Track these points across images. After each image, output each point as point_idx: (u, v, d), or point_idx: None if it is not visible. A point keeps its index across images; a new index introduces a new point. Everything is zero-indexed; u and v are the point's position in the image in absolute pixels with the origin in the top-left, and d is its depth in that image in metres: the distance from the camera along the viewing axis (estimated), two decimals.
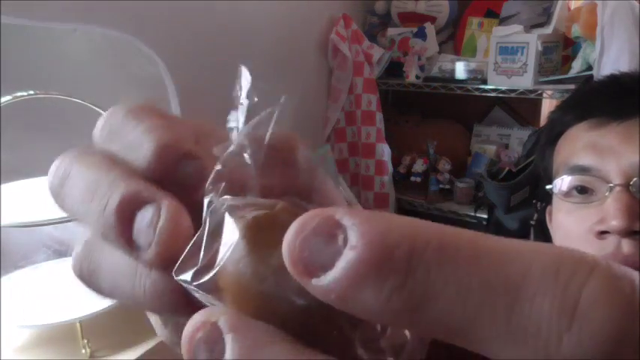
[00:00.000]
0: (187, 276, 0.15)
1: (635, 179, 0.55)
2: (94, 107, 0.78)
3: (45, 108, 0.90)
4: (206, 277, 0.14)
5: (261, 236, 0.14)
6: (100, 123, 0.19)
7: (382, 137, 1.85)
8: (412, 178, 1.84)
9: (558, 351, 0.11)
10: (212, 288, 0.14)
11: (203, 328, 0.13)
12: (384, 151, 1.85)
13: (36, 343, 0.76)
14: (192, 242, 0.15)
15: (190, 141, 0.17)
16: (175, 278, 0.15)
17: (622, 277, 0.11)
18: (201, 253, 0.15)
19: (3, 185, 0.78)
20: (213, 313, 0.14)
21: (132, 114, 0.18)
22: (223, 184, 0.16)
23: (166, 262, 0.15)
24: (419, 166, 1.83)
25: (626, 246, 0.53)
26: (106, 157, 0.17)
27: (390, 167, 1.86)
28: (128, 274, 0.17)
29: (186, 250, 0.15)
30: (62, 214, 0.69)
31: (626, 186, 0.55)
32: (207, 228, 0.15)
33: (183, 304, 0.16)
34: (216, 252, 0.14)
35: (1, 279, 0.81)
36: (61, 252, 0.90)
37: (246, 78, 0.17)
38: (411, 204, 1.88)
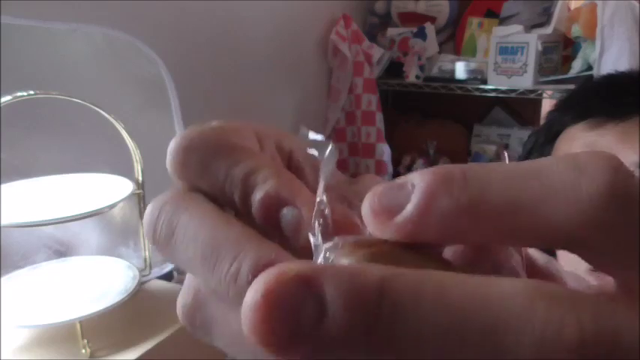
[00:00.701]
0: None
1: None
2: (94, 107, 0.78)
3: (45, 108, 0.90)
4: None
5: None
6: (179, 152, 0.18)
7: (382, 137, 1.85)
8: None
9: None
10: None
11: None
12: (384, 151, 1.85)
13: (36, 343, 0.76)
14: None
15: (292, 187, 0.17)
16: None
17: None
18: None
19: (3, 185, 0.78)
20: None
21: (224, 150, 0.17)
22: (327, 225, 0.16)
23: None
24: (419, 166, 1.83)
25: None
26: (215, 209, 0.17)
27: (390, 167, 1.86)
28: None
29: None
30: (62, 214, 0.69)
31: None
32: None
33: None
34: None
35: (1, 279, 0.81)
36: (61, 252, 0.90)
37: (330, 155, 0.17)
38: None
